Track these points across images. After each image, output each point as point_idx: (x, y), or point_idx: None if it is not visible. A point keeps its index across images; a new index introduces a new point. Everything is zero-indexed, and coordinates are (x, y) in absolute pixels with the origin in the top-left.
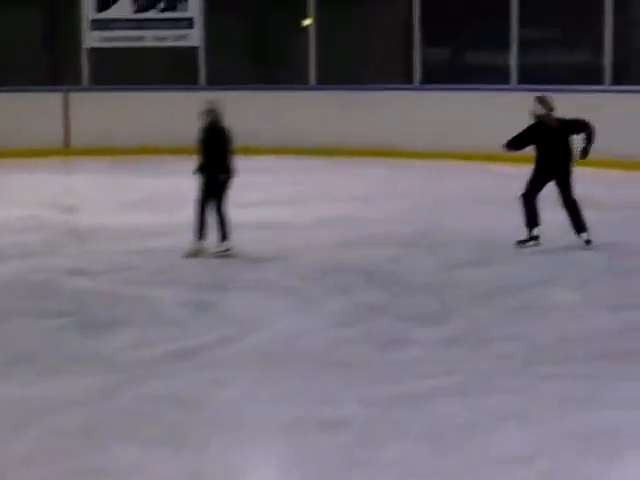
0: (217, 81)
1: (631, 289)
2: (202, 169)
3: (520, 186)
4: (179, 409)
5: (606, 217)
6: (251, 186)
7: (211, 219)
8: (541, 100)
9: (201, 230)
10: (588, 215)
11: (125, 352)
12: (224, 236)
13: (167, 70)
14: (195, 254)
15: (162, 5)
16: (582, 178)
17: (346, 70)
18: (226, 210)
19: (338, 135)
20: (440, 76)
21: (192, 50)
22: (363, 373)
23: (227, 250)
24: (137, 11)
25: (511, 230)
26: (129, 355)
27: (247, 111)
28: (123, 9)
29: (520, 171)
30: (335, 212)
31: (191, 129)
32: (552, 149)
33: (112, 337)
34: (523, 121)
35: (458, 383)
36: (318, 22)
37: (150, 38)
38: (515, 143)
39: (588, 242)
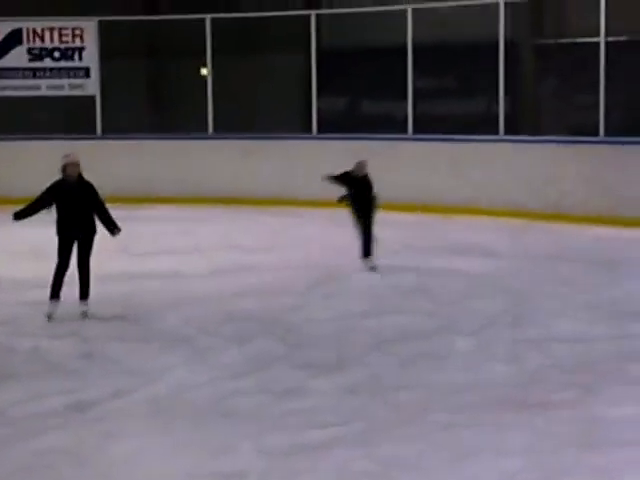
0: (114, 129)
1: (524, 337)
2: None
3: (417, 235)
4: (72, 463)
5: (501, 265)
6: (147, 235)
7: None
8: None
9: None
10: (486, 262)
11: (18, 405)
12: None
13: (64, 119)
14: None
15: (57, 54)
16: (483, 227)
17: (245, 119)
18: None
19: (237, 184)
20: (338, 125)
21: (89, 99)
22: (260, 423)
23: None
24: (32, 60)
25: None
26: (21, 408)
27: (145, 159)
28: (18, 58)
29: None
30: (232, 261)
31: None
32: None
33: (4, 390)
34: (418, 170)
35: (356, 432)
36: (216, 70)
37: (47, 87)
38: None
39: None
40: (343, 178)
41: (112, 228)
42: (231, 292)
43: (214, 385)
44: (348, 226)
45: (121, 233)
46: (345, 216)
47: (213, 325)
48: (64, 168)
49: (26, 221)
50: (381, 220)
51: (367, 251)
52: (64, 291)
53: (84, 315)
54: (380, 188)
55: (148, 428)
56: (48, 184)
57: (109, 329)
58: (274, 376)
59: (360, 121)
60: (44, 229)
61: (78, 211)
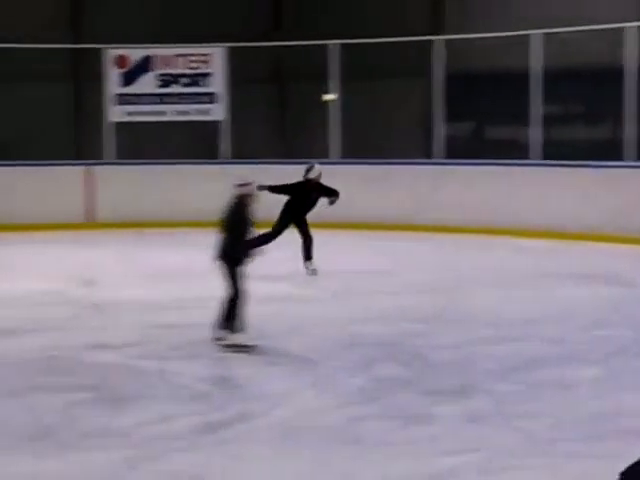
0: (239, 155)
1: None
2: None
3: (545, 262)
4: None
5: (631, 292)
6: (272, 259)
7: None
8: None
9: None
10: (614, 290)
11: (144, 427)
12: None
13: (190, 144)
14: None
15: (185, 80)
16: (611, 255)
17: (368, 144)
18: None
19: (360, 209)
20: (462, 151)
21: (215, 124)
22: (385, 450)
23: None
24: (161, 86)
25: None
26: (148, 430)
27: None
28: (147, 84)
29: (539, 245)
30: (355, 284)
31: (213, 202)
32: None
33: (131, 411)
34: (545, 195)
35: (480, 460)
36: (340, 96)
37: (173, 112)
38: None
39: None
40: (282, 188)
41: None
42: (355, 316)
43: (340, 410)
44: (472, 252)
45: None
46: (473, 242)
47: (337, 350)
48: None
49: (154, 245)
50: (510, 246)
51: (308, 255)
52: (194, 313)
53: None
54: (505, 214)
55: (274, 452)
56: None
57: (235, 353)
58: (399, 402)
59: (485, 146)
60: (177, 253)
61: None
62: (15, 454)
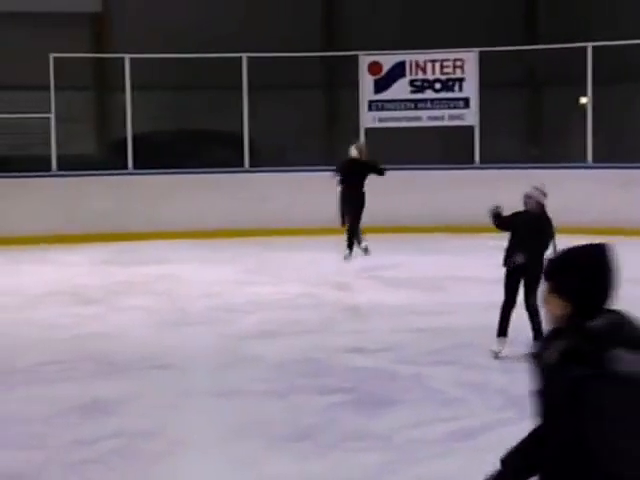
0: (492, 160)
1: None
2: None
3: None
4: None
5: None
6: None
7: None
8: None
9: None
10: None
11: (402, 430)
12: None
13: (443, 149)
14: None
15: (438, 86)
16: None
17: (623, 148)
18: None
19: (614, 214)
20: None
21: (468, 129)
22: None
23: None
24: (414, 91)
25: None
26: (405, 434)
27: (522, 189)
28: (400, 90)
29: None
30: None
31: (467, 208)
32: None
33: (389, 415)
34: None
35: None
36: (595, 98)
37: (427, 118)
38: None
39: None
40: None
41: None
42: None
43: None
44: None
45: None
46: None
47: None
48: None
49: (415, 249)
50: None
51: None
52: (449, 318)
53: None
54: None
55: None
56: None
57: (490, 358)
58: None
59: None
60: (432, 257)
61: (528, 245)
62: (277, 454)
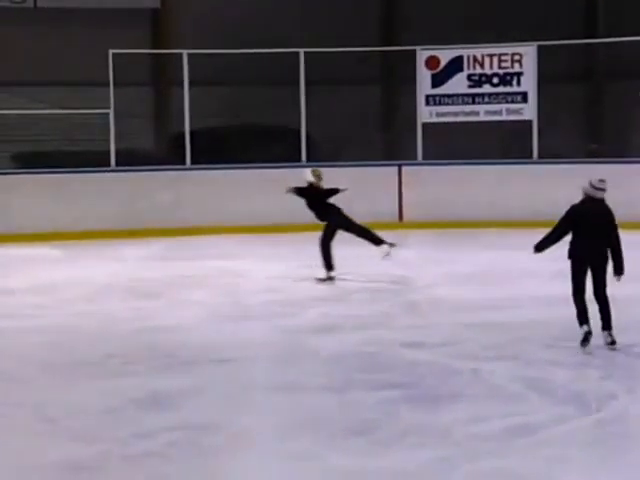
0: (551, 154)
1: None
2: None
3: None
4: None
5: None
6: None
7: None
8: None
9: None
10: None
11: (460, 426)
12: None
13: (500, 144)
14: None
15: (496, 80)
16: None
17: None
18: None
19: None
20: None
21: (526, 123)
22: None
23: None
24: (472, 86)
25: None
26: (464, 429)
27: (581, 184)
28: (458, 84)
29: None
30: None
31: (525, 203)
32: None
33: (447, 410)
34: None
35: None
36: None
37: (484, 112)
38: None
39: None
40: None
41: (617, 267)
42: None
43: None
44: None
45: (561, 256)
46: None
47: None
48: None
49: (468, 244)
50: None
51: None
52: (508, 313)
53: (610, 344)
54: None
55: (591, 456)
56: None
57: (550, 353)
58: None
59: None
60: (485, 253)
61: (595, 236)
62: (335, 449)
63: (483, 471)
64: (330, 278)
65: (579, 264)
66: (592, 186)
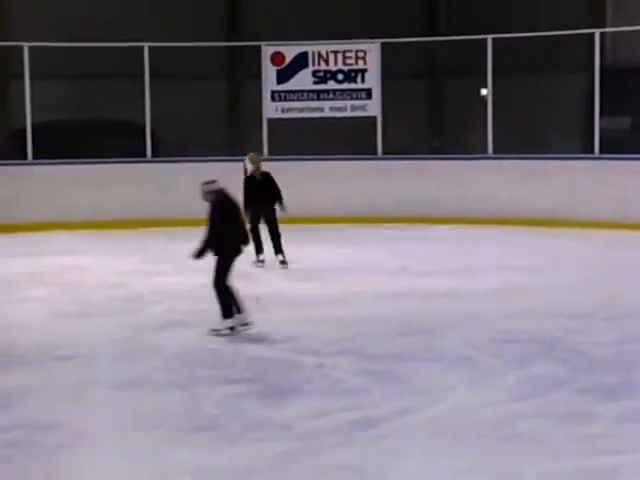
0: (394, 150)
1: None
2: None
3: None
4: None
5: None
6: (426, 255)
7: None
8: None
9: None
10: None
11: (304, 420)
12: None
13: (344, 140)
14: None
15: (341, 76)
16: None
17: (525, 139)
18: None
19: (516, 204)
20: (620, 145)
21: (369, 120)
22: (542, 448)
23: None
24: (317, 82)
25: None
26: (308, 424)
27: (424, 180)
28: (303, 80)
29: None
30: (511, 282)
31: (371, 198)
32: None
33: (290, 405)
34: None
35: None
36: (496, 90)
37: (329, 109)
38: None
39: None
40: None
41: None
42: (509, 312)
43: (496, 407)
44: (631, 249)
45: (402, 251)
46: (628, 237)
47: (493, 346)
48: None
49: (316, 241)
50: None
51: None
52: (349, 308)
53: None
54: None
55: (432, 448)
56: None
57: (391, 347)
58: (557, 400)
59: None
60: (325, 249)
61: None
62: (177, 446)
63: (325, 465)
64: (261, 261)
65: None
66: (207, 183)
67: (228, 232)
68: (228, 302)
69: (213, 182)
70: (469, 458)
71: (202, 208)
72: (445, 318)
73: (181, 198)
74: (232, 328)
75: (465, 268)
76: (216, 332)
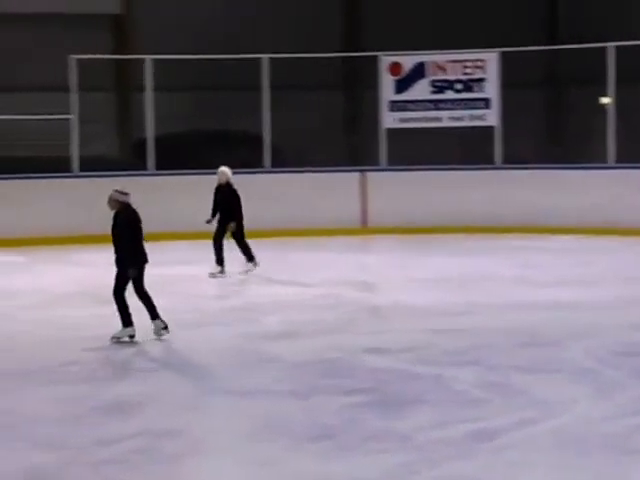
0: (513, 160)
1: None
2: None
3: None
4: None
5: None
6: (549, 265)
7: None
8: None
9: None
10: None
11: (423, 431)
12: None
13: (463, 150)
14: None
15: (459, 86)
16: None
17: None
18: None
19: (638, 215)
20: None
21: (488, 130)
22: None
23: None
24: (435, 92)
25: None
26: (426, 434)
27: (543, 189)
28: (421, 90)
29: None
30: (633, 293)
31: (486, 208)
32: None
33: (410, 416)
34: None
35: None
36: (618, 99)
37: (447, 118)
38: None
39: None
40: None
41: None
42: (631, 324)
43: (617, 421)
44: None
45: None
46: None
47: (614, 358)
48: None
49: (432, 250)
50: None
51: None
52: (468, 319)
53: None
54: None
55: (554, 461)
56: None
57: (512, 359)
58: None
59: None
60: (450, 259)
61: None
62: (297, 455)
63: (444, 476)
64: (221, 272)
65: None
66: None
67: (135, 248)
68: (126, 311)
69: (127, 194)
70: (592, 471)
71: (322, 216)
72: (566, 329)
73: (299, 208)
74: (132, 336)
75: (586, 279)
76: (116, 339)
